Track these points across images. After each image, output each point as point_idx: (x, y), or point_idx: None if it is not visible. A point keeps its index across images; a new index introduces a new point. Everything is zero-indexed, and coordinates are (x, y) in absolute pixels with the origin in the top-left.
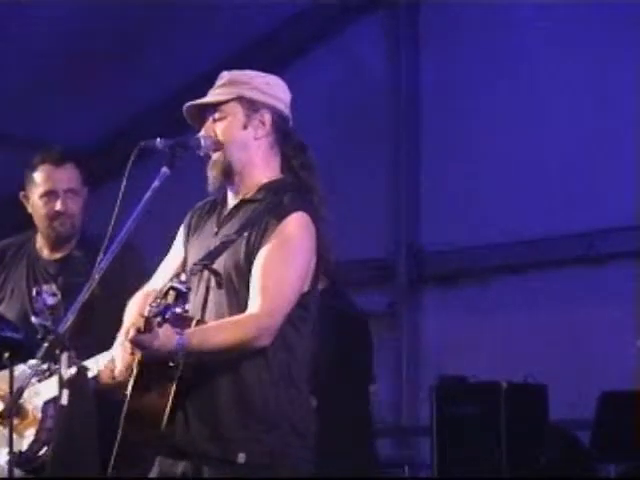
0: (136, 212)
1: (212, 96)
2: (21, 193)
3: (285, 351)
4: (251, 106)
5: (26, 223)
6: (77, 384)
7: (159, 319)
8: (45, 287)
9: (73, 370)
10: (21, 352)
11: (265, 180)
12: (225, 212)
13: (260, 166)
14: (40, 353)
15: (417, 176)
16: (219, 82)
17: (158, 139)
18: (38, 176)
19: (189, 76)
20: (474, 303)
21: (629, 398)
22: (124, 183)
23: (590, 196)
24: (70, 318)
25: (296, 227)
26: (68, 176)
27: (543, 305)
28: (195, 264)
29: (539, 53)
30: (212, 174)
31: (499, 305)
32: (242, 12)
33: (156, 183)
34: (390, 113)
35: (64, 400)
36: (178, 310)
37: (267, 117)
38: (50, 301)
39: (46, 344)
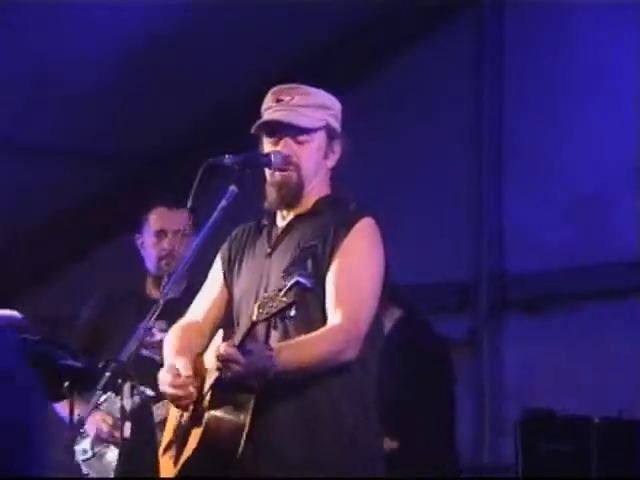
0: (203, 233)
1: (300, 118)
2: (136, 236)
3: (361, 369)
4: (331, 135)
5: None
6: (140, 415)
7: (288, 312)
8: (156, 323)
9: (136, 400)
10: (82, 381)
11: (318, 197)
12: (277, 231)
13: (319, 188)
14: (101, 383)
15: (500, 195)
16: (303, 98)
17: (227, 155)
18: (151, 217)
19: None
20: (562, 330)
21: None
22: (191, 201)
23: None
24: (133, 347)
25: (368, 233)
26: (179, 219)
27: (634, 334)
28: (285, 270)
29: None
30: (277, 192)
31: (590, 333)
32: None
33: (224, 202)
34: (471, 129)
35: (126, 432)
36: (292, 313)
37: (338, 147)
38: (159, 336)
39: (108, 374)
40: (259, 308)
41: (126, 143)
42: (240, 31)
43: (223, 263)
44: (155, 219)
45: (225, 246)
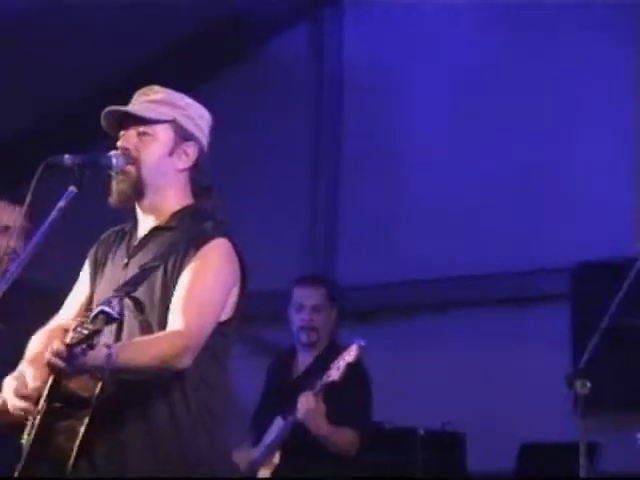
0: (39, 233)
1: (144, 109)
2: None
3: (205, 385)
4: (182, 134)
5: None
6: None
7: (84, 346)
8: None
9: None
10: None
11: (178, 207)
12: (135, 242)
13: (175, 195)
14: None
15: (336, 206)
16: (152, 95)
17: (66, 155)
18: None
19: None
20: (392, 343)
21: (550, 450)
22: (28, 199)
23: (521, 235)
24: None
25: (217, 253)
26: (10, 215)
27: (465, 348)
28: (116, 290)
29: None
30: (120, 187)
31: (419, 346)
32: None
33: (62, 203)
34: (310, 136)
35: None
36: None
37: (193, 150)
38: None
39: None
40: (73, 331)
41: None
42: (82, 32)
43: (90, 266)
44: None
45: (93, 249)
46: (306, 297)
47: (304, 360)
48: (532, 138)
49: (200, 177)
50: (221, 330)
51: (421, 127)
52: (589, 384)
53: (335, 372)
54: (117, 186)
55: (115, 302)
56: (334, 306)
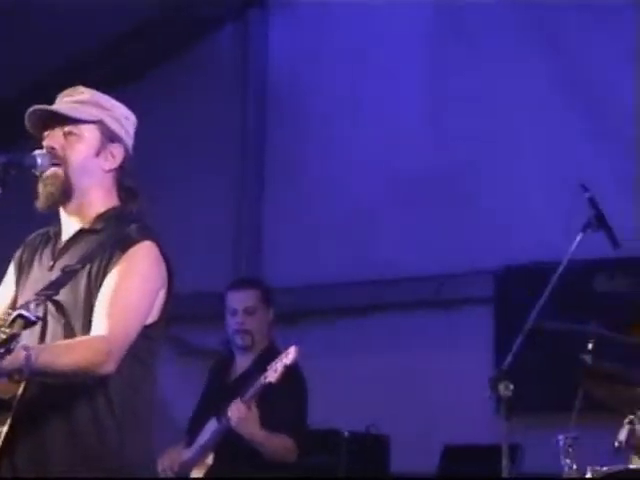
0: None
1: (70, 109)
2: None
3: (130, 388)
4: (108, 135)
5: None
6: None
7: (1, 350)
8: None
9: None
10: None
11: (104, 209)
12: (60, 244)
13: (101, 197)
14: None
15: (260, 208)
16: (77, 96)
17: None
18: None
19: None
20: (315, 346)
21: (473, 452)
22: None
23: (442, 238)
24: None
25: (143, 256)
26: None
27: (388, 350)
28: (37, 294)
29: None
30: (47, 190)
31: (342, 349)
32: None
33: None
34: (236, 139)
35: None
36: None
37: (119, 152)
38: None
39: None
40: None
41: None
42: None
43: (15, 269)
44: None
45: (18, 252)
46: (238, 300)
47: (242, 363)
48: (457, 138)
49: (125, 179)
50: (147, 333)
51: (342, 130)
52: (512, 386)
53: (272, 374)
54: (45, 189)
55: (33, 305)
56: (269, 308)
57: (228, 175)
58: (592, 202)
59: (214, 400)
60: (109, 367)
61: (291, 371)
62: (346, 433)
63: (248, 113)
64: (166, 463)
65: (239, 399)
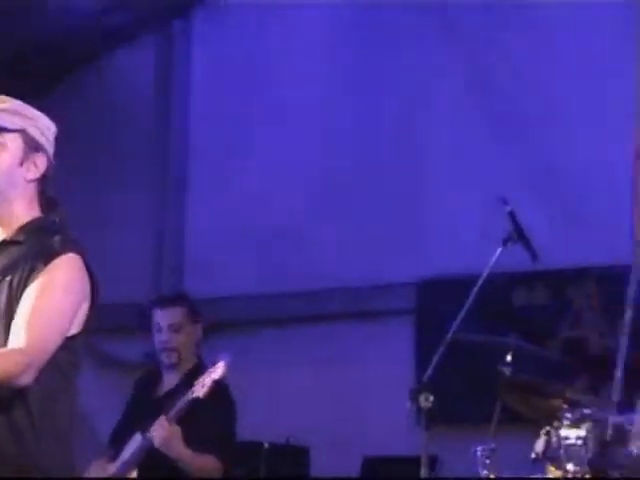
0: None
1: None
2: None
3: (50, 399)
4: (32, 145)
5: None
6: None
7: None
8: None
9: None
10: None
11: (26, 220)
12: None
13: (24, 207)
14: None
15: (182, 219)
16: (2, 106)
17: None
18: None
19: None
20: (236, 357)
21: (393, 463)
22: None
23: (364, 250)
24: None
25: (66, 268)
26: None
27: (310, 362)
28: None
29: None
30: None
31: (263, 361)
32: None
33: None
34: (157, 147)
35: None
36: None
37: (42, 161)
38: None
39: None
40: None
41: None
42: None
43: None
44: None
45: None
46: (163, 317)
47: (169, 380)
48: (380, 151)
49: (47, 189)
50: (69, 345)
51: (265, 143)
52: (432, 398)
53: (200, 389)
54: None
55: None
56: (197, 324)
57: (150, 187)
58: (512, 216)
59: (139, 415)
60: (26, 379)
61: (219, 387)
62: (266, 444)
63: (171, 126)
64: (91, 477)
65: (163, 417)
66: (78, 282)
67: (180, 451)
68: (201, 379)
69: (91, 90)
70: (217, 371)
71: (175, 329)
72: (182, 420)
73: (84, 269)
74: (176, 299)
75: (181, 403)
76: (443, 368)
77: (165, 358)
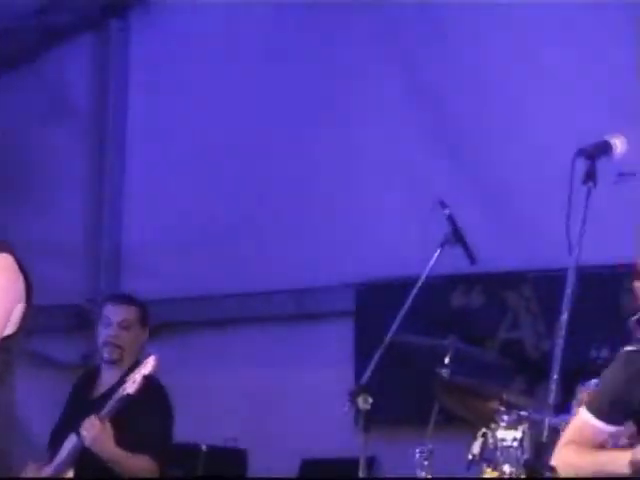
0: None
1: None
2: None
3: None
4: None
5: None
6: None
7: None
8: None
9: None
10: None
11: None
12: None
13: None
14: None
15: (120, 222)
16: None
17: None
18: None
19: None
20: (173, 359)
21: (331, 465)
22: None
23: (303, 251)
24: None
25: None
26: None
27: (248, 364)
28: None
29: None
30: None
31: (200, 363)
32: None
33: None
34: (92, 145)
35: None
36: None
37: None
38: None
39: None
40: None
41: None
42: None
43: None
44: None
45: None
46: (115, 313)
47: (108, 379)
48: (314, 152)
49: None
50: (4, 345)
51: (201, 142)
52: (371, 399)
53: (131, 385)
54: None
55: None
56: (145, 328)
57: (86, 187)
58: (450, 218)
59: (76, 415)
60: None
61: (153, 386)
62: (204, 447)
63: (108, 126)
64: (27, 477)
65: (94, 416)
66: (11, 283)
67: (111, 451)
68: (132, 375)
69: (29, 88)
70: (147, 366)
71: (124, 326)
72: (117, 421)
73: (18, 269)
74: (130, 299)
75: (112, 402)
76: (382, 370)
77: (107, 353)
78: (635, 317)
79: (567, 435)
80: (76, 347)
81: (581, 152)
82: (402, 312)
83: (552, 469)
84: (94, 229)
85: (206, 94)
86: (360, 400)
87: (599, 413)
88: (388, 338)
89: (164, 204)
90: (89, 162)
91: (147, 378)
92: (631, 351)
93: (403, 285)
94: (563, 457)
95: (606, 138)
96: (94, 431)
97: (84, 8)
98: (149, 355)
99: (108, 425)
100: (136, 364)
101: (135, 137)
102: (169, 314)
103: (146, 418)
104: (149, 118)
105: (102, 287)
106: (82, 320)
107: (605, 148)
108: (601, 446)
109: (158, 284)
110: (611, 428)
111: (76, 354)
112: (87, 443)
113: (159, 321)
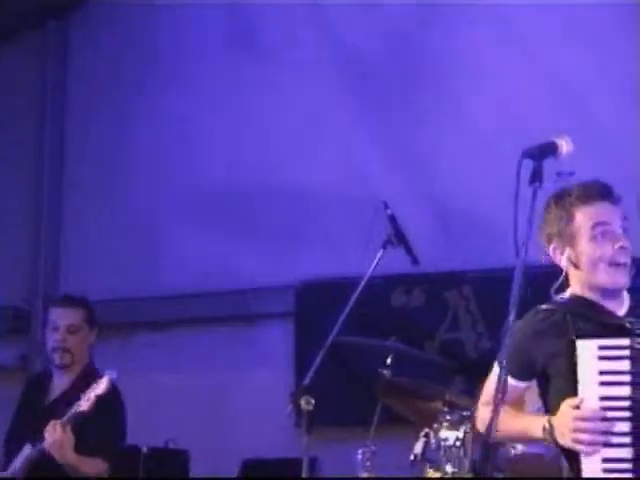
0: None
1: None
2: None
3: None
4: None
5: None
6: None
7: None
8: None
9: None
10: None
11: None
12: None
13: None
14: None
15: (59, 223)
16: None
17: None
18: None
19: None
20: (112, 361)
21: (272, 465)
22: None
23: (241, 253)
24: None
25: None
26: None
27: (190, 365)
28: None
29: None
30: None
31: (141, 364)
32: None
33: None
34: (33, 148)
35: None
36: None
37: None
38: None
39: None
40: None
41: None
42: None
43: None
44: None
45: None
46: (61, 317)
47: (60, 383)
48: (251, 155)
49: None
50: None
51: (139, 146)
52: (313, 401)
53: (85, 403)
54: None
55: None
56: (93, 328)
57: (24, 187)
58: (392, 219)
59: (30, 422)
60: None
61: (108, 394)
62: (144, 449)
63: (46, 126)
64: None
65: (57, 421)
66: None
67: (68, 455)
68: (87, 393)
69: None
70: (100, 387)
71: (72, 330)
72: (72, 426)
73: None
74: (78, 301)
75: (69, 415)
76: (323, 371)
77: (57, 359)
78: (554, 286)
79: (485, 394)
80: (14, 349)
81: (527, 153)
82: (344, 313)
83: (500, 469)
84: (33, 230)
85: (142, 93)
86: (302, 401)
87: (510, 369)
88: (329, 339)
89: (103, 204)
90: (27, 162)
91: (99, 397)
92: (544, 309)
93: (344, 286)
94: (484, 418)
95: (552, 138)
96: (56, 435)
97: (24, 8)
98: (102, 375)
99: (69, 431)
100: (88, 368)
101: (74, 137)
102: (109, 315)
103: (99, 426)
104: (87, 117)
105: (41, 289)
106: (20, 321)
107: (551, 148)
108: (519, 402)
109: (96, 285)
110: (523, 384)
111: (14, 356)
112: (47, 445)
113: (99, 322)
